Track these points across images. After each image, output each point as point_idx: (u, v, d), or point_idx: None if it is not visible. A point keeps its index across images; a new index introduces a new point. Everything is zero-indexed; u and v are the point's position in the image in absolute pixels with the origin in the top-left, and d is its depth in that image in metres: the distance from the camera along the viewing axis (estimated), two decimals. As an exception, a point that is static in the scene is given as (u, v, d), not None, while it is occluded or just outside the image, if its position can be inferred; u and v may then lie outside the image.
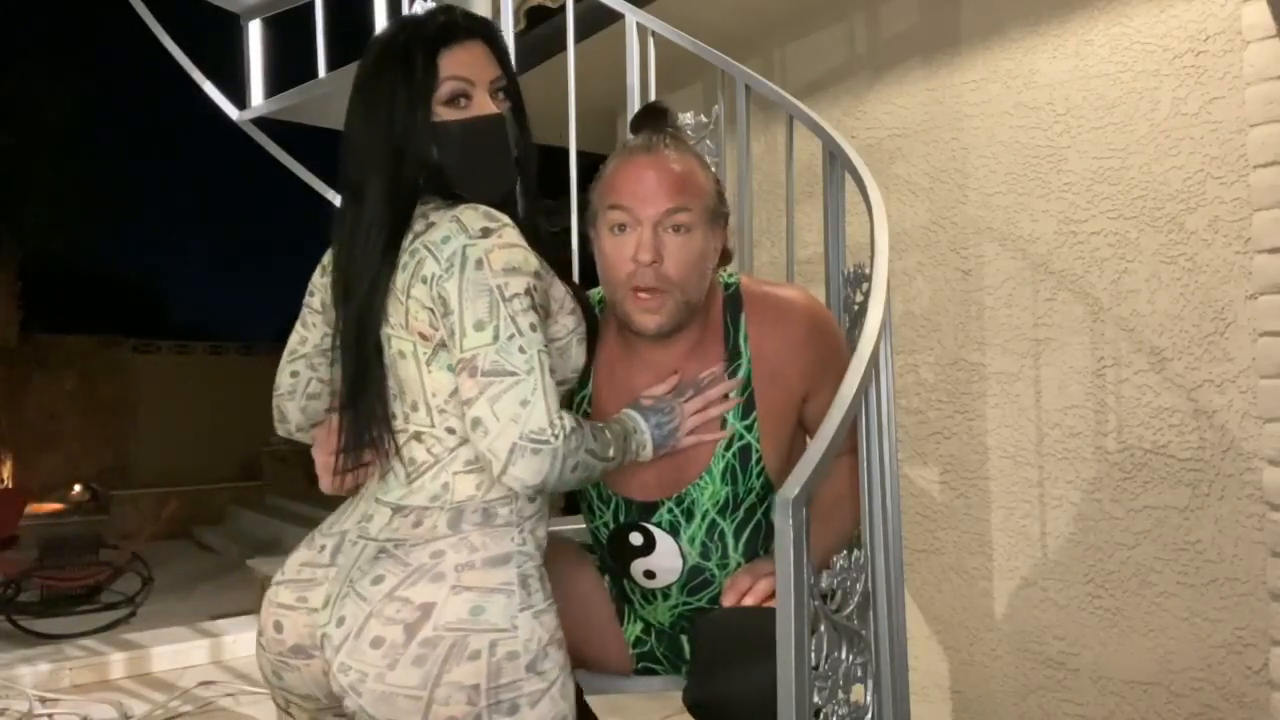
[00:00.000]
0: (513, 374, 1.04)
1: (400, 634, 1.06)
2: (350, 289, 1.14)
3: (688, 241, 1.26)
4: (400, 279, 1.11)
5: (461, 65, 1.16)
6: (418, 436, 1.14)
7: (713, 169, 1.37)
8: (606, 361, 1.38)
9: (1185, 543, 2.11)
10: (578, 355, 1.21)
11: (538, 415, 1.03)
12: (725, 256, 1.37)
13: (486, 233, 1.09)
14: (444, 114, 1.16)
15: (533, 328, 1.07)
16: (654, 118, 1.39)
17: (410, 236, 1.12)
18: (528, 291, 1.08)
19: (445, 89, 1.16)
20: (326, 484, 1.22)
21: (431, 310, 1.09)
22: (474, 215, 1.11)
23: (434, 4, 1.70)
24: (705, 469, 1.32)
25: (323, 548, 1.17)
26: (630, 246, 1.26)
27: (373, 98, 1.16)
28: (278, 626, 1.16)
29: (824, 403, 1.30)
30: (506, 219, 1.12)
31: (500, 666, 1.06)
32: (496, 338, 1.05)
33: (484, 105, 1.18)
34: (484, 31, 1.21)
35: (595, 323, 1.26)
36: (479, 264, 1.07)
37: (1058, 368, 2.34)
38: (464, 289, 1.06)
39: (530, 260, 1.11)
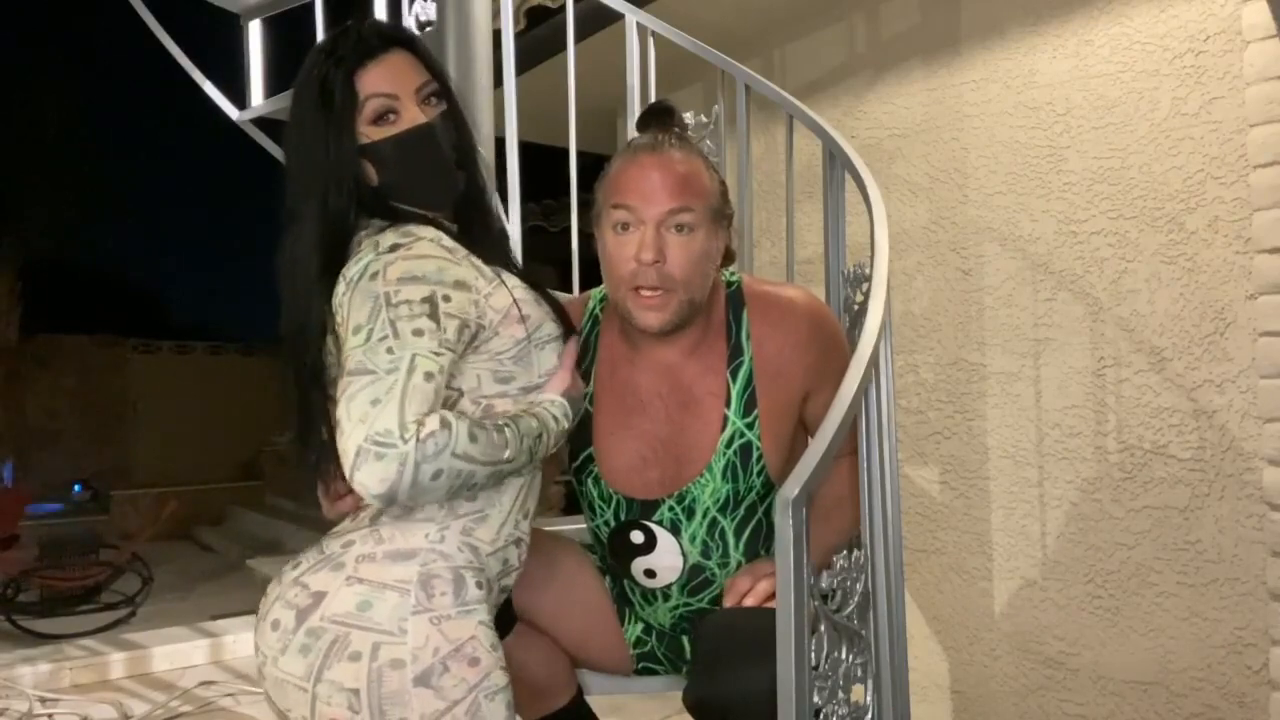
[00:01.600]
0: (371, 373, 0.98)
1: (292, 619, 1.06)
2: (287, 321, 1.13)
3: (690, 241, 1.26)
4: (333, 300, 1.10)
5: (382, 81, 1.14)
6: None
7: (714, 157, 1.37)
8: (608, 360, 1.38)
9: (1185, 543, 2.11)
10: (543, 360, 1.17)
11: (387, 416, 0.95)
12: (729, 256, 1.37)
13: (394, 248, 1.07)
14: (373, 134, 1.14)
15: (416, 333, 1.01)
16: (660, 116, 1.39)
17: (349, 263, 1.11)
18: (426, 300, 1.03)
19: (369, 109, 1.14)
20: (326, 510, 1.22)
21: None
22: (392, 234, 1.10)
23: (432, 3, 1.70)
24: (706, 466, 1.32)
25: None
26: (633, 246, 1.26)
27: (298, 130, 1.15)
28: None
29: (825, 402, 1.29)
30: (429, 234, 1.10)
31: (382, 674, 1.02)
32: (368, 339, 1.01)
33: (413, 116, 1.15)
34: (401, 39, 1.18)
35: (570, 327, 1.24)
36: (374, 275, 1.05)
37: (1058, 368, 2.34)
38: (353, 299, 1.05)
39: (447, 271, 1.07)
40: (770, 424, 1.32)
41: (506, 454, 1.05)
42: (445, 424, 0.98)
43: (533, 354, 1.16)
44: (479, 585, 1.09)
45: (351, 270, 1.08)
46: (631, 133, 2.01)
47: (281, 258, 1.15)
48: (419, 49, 1.20)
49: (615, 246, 1.28)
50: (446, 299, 1.05)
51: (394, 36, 1.18)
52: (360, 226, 1.14)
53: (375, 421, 0.95)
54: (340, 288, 1.08)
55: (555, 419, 1.15)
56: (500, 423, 1.07)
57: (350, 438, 0.96)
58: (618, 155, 1.33)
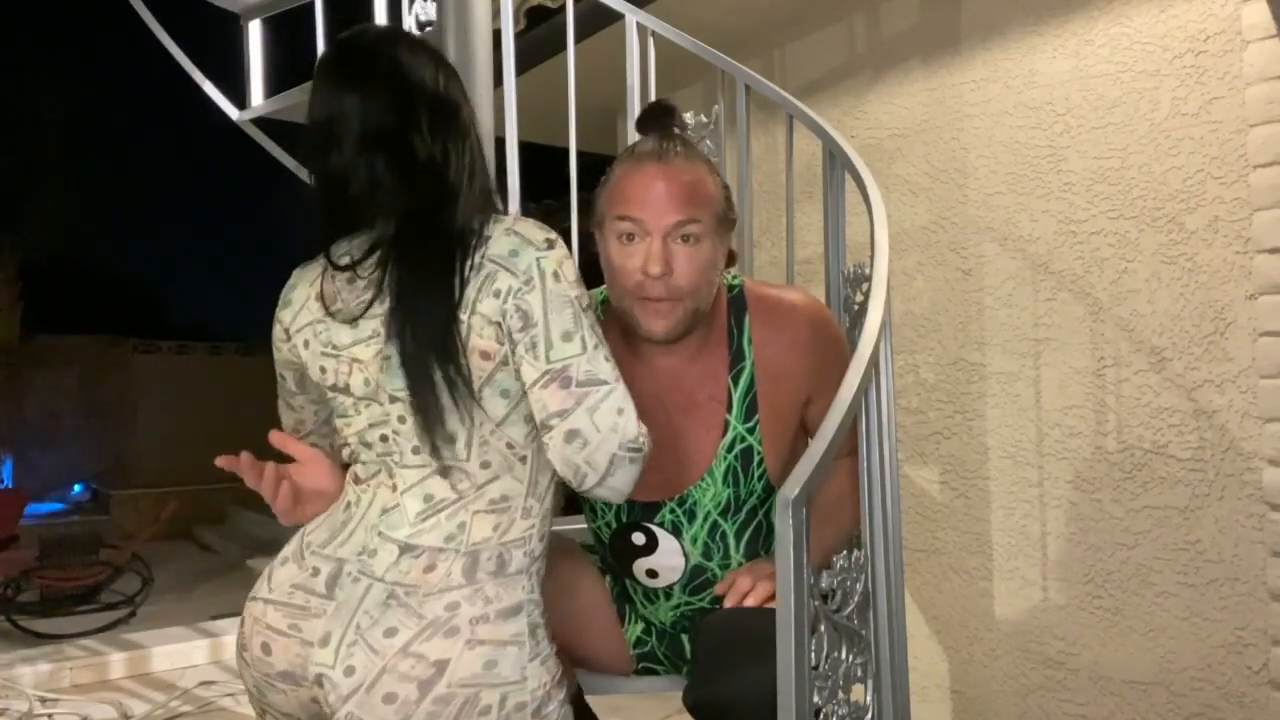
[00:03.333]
0: (605, 383, 1.05)
1: (414, 691, 1.04)
2: (422, 314, 1.07)
3: (697, 251, 1.26)
4: (467, 294, 1.07)
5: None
6: (444, 471, 1.09)
7: (719, 172, 1.36)
8: None
9: (1185, 543, 2.11)
10: None
11: (632, 424, 1.05)
12: (730, 259, 1.37)
13: (551, 244, 1.09)
14: None
15: (604, 339, 1.09)
16: (661, 117, 1.37)
17: (473, 254, 1.08)
18: (591, 304, 1.11)
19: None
20: (285, 516, 1.20)
21: (498, 324, 1.06)
22: (530, 226, 1.11)
23: (432, 3, 1.70)
24: (707, 470, 1.32)
25: (315, 571, 1.13)
26: (639, 257, 1.25)
27: (442, 110, 1.15)
28: (265, 649, 1.12)
29: (826, 406, 1.29)
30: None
31: (509, 717, 1.06)
32: (585, 348, 1.06)
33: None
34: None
35: None
36: (556, 276, 1.07)
37: (1058, 368, 2.34)
38: (548, 301, 1.06)
39: None
40: (771, 428, 1.32)
41: None
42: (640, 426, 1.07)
43: None
44: (548, 622, 1.15)
45: (515, 262, 1.07)
46: (632, 133, 2.01)
47: (406, 247, 1.09)
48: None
49: (621, 257, 1.27)
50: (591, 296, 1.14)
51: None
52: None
53: (625, 430, 1.04)
54: (506, 279, 1.06)
55: None
56: None
57: (602, 448, 1.03)
58: (620, 161, 1.32)
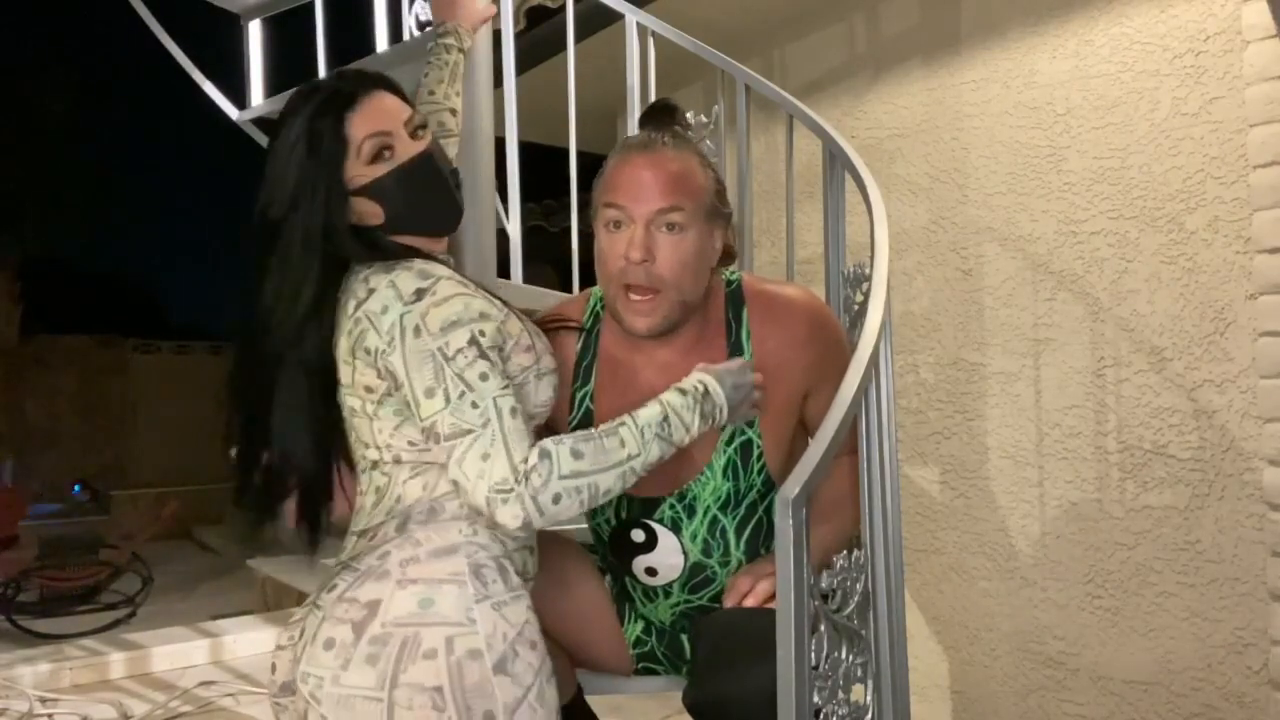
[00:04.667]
0: (469, 431, 1.04)
1: (349, 632, 1.05)
2: (297, 360, 1.13)
3: (681, 241, 1.26)
4: (344, 343, 1.12)
5: (373, 121, 1.16)
6: (374, 465, 1.16)
7: (715, 168, 1.37)
8: (608, 357, 1.38)
9: (1185, 543, 2.11)
10: (539, 391, 1.19)
11: (499, 467, 1.02)
12: (728, 255, 1.37)
13: (419, 294, 1.09)
14: (374, 172, 1.16)
15: (483, 377, 1.06)
16: (661, 114, 1.40)
17: (353, 303, 1.12)
18: (471, 342, 1.07)
19: (366, 148, 1.15)
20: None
21: (377, 372, 1.10)
22: (408, 278, 1.10)
23: (430, 3, 1.70)
24: (707, 464, 1.32)
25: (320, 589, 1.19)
26: (622, 244, 1.26)
27: (282, 184, 1.14)
28: (273, 668, 1.17)
29: (825, 401, 1.29)
30: (443, 272, 1.12)
31: (462, 666, 1.03)
32: (448, 400, 1.05)
33: (408, 148, 1.18)
34: (381, 83, 1.21)
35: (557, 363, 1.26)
36: (416, 331, 1.07)
37: (1058, 368, 2.34)
38: (408, 360, 1.07)
39: (473, 305, 1.10)
40: (770, 422, 1.32)
41: (626, 451, 1.09)
42: (544, 454, 1.04)
43: (532, 384, 1.18)
44: (517, 573, 1.13)
45: (382, 320, 1.08)
46: (633, 132, 2.02)
47: (267, 300, 1.13)
48: (395, 86, 1.22)
49: (607, 244, 1.29)
50: (483, 334, 1.09)
51: (375, 79, 1.21)
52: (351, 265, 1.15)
53: (491, 474, 1.02)
54: (373, 338, 1.09)
55: (687, 391, 1.15)
56: (615, 423, 1.11)
57: (475, 494, 1.03)
58: (613, 153, 1.34)
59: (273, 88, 2.85)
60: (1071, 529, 2.31)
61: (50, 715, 3.12)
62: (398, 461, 1.14)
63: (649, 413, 1.12)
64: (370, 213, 1.17)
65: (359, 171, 1.15)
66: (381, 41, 2.48)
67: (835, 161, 1.66)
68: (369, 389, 1.12)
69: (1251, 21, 2.00)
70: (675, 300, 1.27)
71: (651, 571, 1.37)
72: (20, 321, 10.61)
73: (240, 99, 2.86)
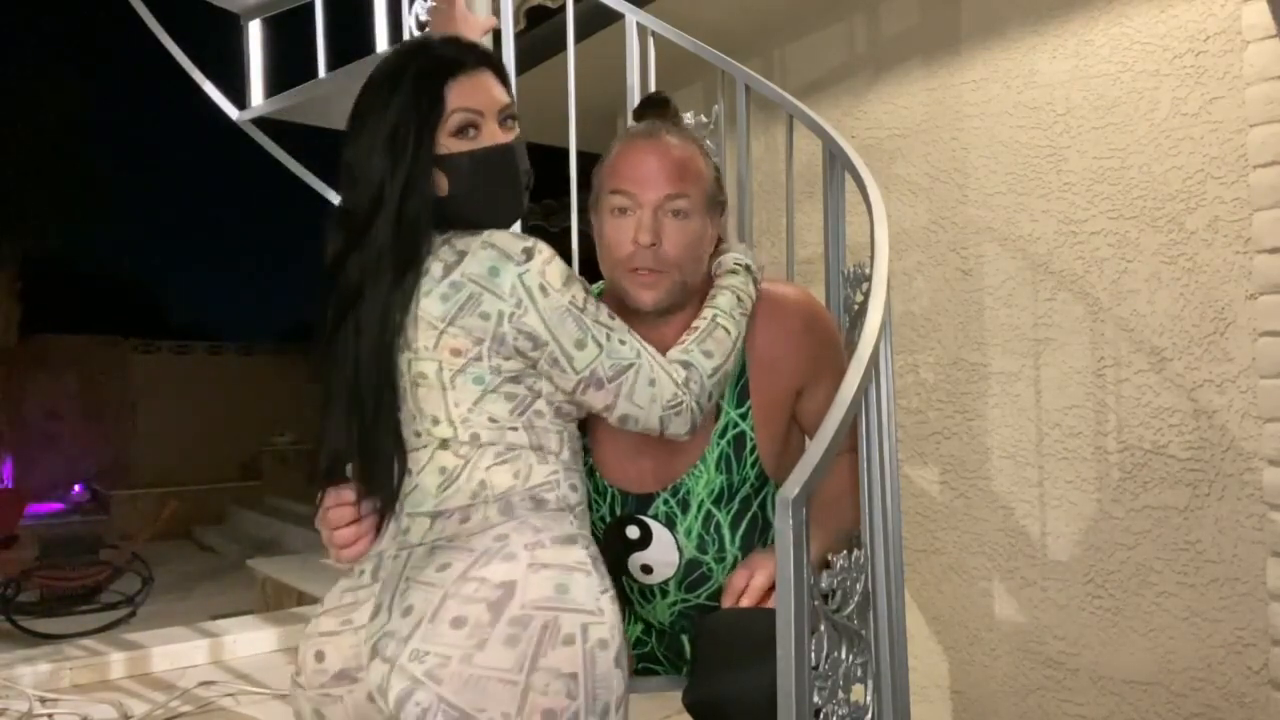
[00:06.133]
0: (630, 365, 1.12)
1: (485, 612, 1.01)
2: (361, 327, 1.12)
3: (686, 225, 1.28)
4: (436, 308, 1.10)
5: (469, 96, 1.16)
6: (444, 444, 1.12)
7: (713, 157, 1.38)
8: None
9: (1185, 543, 2.11)
10: None
11: (666, 388, 1.13)
12: (719, 243, 1.39)
13: (528, 254, 1.11)
14: (453, 146, 1.16)
15: (612, 318, 1.15)
16: (657, 107, 1.42)
17: (440, 266, 1.11)
18: (586, 291, 1.15)
19: (454, 120, 1.15)
20: (345, 555, 1.17)
21: (479, 340, 1.09)
22: (506, 238, 1.12)
23: (434, 3, 1.70)
24: (700, 457, 1.32)
25: (361, 572, 1.15)
26: (630, 229, 1.27)
27: (376, 129, 1.14)
28: (319, 656, 1.12)
29: (818, 398, 1.31)
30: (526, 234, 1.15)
31: (594, 656, 1.03)
32: (600, 346, 1.12)
33: (493, 135, 1.18)
34: (490, 62, 1.21)
35: None
36: (543, 290, 1.10)
37: (1058, 368, 2.34)
38: (547, 319, 1.10)
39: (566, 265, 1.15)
40: (764, 416, 1.33)
41: (733, 336, 1.23)
42: (688, 365, 1.17)
43: None
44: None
45: (498, 282, 1.09)
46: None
47: (341, 259, 1.14)
48: (504, 74, 1.23)
49: (613, 230, 1.30)
50: (586, 284, 1.17)
51: (485, 56, 1.21)
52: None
53: (661, 396, 1.13)
54: (492, 302, 1.08)
55: (736, 271, 1.32)
56: (709, 317, 1.24)
57: (649, 418, 1.14)
58: (615, 141, 1.35)
59: (273, 88, 2.85)
60: (1071, 529, 2.31)
61: (50, 715, 3.12)
62: (476, 443, 1.11)
63: (725, 299, 1.27)
64: (437, 185, 1.16)
65: (441, 140, 1.15)
66: (381, 41, 2.48)
67: (835, 161, 1.66)
68: (455, 353, 1.10)
69: (1251, 21, 2.00)
70: (678, 280, 1.29)
71: (647, 569, 1.37)
72: (20, 321, 10.62)
73: (240, 99, 2.86)
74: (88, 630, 4.22)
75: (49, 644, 3.95)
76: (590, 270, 1.45)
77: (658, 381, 1.13)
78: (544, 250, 1.12)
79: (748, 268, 1.32)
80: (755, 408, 1.32)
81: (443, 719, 0.99)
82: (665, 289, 1.28)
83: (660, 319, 1.32)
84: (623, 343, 1.13)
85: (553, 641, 1.01)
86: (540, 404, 1.14)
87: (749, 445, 1.32)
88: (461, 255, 1.11)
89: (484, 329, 1.09)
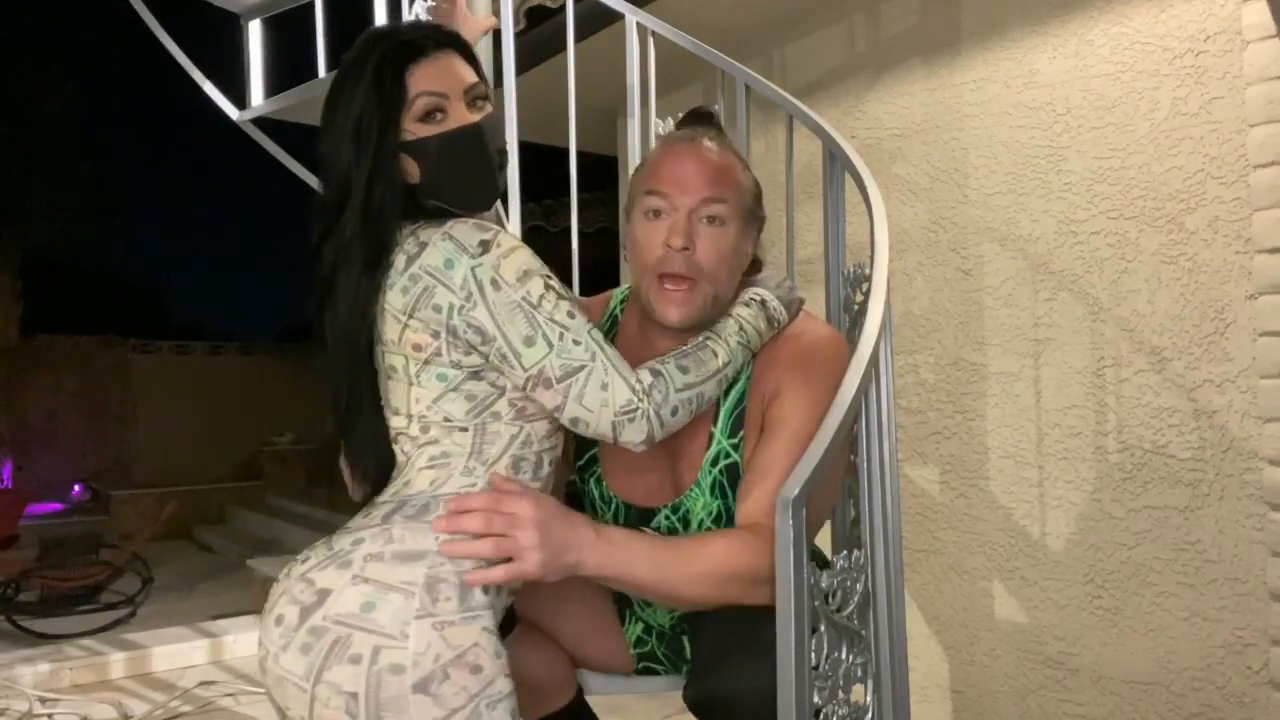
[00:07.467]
0: (581, 367, 1.08)
1: (295, 615, 1.05)
2: (336, 312, 1.14)
3: (722, 234, 1.24)
4: (398, 300, 1.10)
5: (433, 79, 1.15)
6: (396, 439, 1.16)
7: (751, 170, 1.35)
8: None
9: (1185, 543, 2.11)
10: None
11: (620, 392, 1.08)
12: (755, 265, 1.35)
13: (485, 246, 1.09)
14: (420, 131, 1.15)
15: (571, 315, 1.10)
16: (701, 119, 1.39)
17: (403, 258, 1.11)
18: (547, 287, 1.10)
19: (419, 105, 1.14)
20: (355, 494, 1.23)
21: (436, 333, 1.09)
22: (465, 229, 1.10)
23: (434, 2, 1.70)
24: (694, 481, 1.31)
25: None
26: (663, 232, 1.24)
27: (343, 121, 1.14)
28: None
29: (786, 403, 1.23)
30: (493, 225, 1.13)
31: (380, 679, 1.01)
32: (550, 344, 1.08)
33: (461, 116, 1.16)
34: (454, 43, 1.20)
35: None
36: (494, 284, 1.08)
37: (1058, 368, 2.34)
38: (496, 314, 1.08)
39: (531, 254, 1.12)
40: (754, 442, 1.28)
41: (719, 361, 1.18)
42: (657, 374, 1.12)
43: None
44: (484, 590, 1.08)
45: (450, 275, 1.08)
46: (633, 133, 2.02)
47: (321, 248, 1.15)
48: (470, 53, 1.21)
49: (645, 234, 1.26)
50: (550, 278, 1.12)
51: (449, 37, 1.20)
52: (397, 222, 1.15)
53: (614, 400, 1.08)
54: (444, 295, 1.08)
55: (749, 304, 1.26)
56: (701, 339, 1.19)
57: (600, 423, 1.09)
58: (655, 146, 1.33)
59: (273, 88, 2.86)
60: (1071, 529, 2.31)
61: (50, 715, 3.12)
62: (420, 440, 1.13)
63: (727, 326, 1.21)
64: (408, 172, 1.16)
65: (408, 127, 1.15)
66: (381, 41, 2.47)
67: (835, 161, 1.66)
68: (417, 348, 1.11)
69: (1251, 21, 2.00)
70: (710, 293, 1.24)
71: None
72: (20, 321, 10.61)
73: (240, 99, 2.86)
74: (88, 630, 4.22)
75: (49, 644, 3.95)
76: (595, 273, 1.44)
77: (611, 386, 1.08)
78: (504, 243, 1.10)
79: (763, 302, 1.26)
80: (748, 436, 1.28)
81: (271, 706, 1.10)
82: (696, 305, 1.23)
83: (678, 335, 1.25)
84: (577, 343, 1.08)
85: (339, 657, 1.02)
86: (501, 403, 1.13)
87: (742, 474, 1.28)
88: (423, 247, 1.10)
89: (438, 321, 1.09)
